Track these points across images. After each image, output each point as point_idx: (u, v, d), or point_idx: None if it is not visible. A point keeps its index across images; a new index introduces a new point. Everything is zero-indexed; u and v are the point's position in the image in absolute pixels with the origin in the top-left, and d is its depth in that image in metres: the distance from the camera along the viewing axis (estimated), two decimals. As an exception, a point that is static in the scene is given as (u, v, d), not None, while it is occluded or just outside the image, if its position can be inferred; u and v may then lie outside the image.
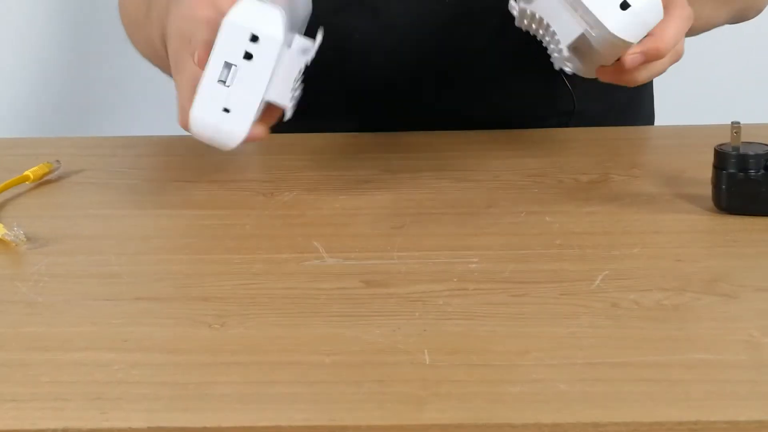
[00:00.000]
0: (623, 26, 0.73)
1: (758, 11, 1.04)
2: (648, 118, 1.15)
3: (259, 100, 0.74)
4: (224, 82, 0.73)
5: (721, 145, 0.79)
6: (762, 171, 0.77)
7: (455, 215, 0.80)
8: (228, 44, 0.73)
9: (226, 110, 0.74)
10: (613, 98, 1.06)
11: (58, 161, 0.92)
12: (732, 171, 0.77)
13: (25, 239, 0.77)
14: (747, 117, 0.86)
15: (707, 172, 0.80)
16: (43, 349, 0.62)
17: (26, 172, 0.89)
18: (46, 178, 0.90)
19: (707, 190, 0.80)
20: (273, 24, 0.73)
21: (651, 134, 1.05)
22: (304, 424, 0.54)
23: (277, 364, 0.60)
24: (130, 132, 1.53)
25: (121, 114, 1.64)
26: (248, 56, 0.73)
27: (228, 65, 0.73)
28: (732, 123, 0.78)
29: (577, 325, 0.63)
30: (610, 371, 0.58)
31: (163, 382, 0.59)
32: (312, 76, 0.97)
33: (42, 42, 1.62)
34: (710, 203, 0.80)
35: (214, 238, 0.77)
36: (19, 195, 0.87)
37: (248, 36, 0.73)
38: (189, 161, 0.95)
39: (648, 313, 0.65)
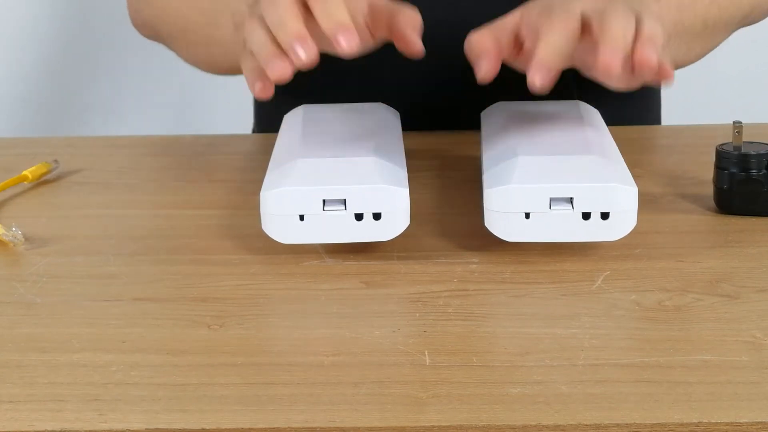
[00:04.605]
0: None
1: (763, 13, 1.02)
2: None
3: None
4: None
5: (722, 144, 0.78)
6: (764, 171, 0.76)
7: (455, 215, 0.80)
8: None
9: None
10: (618, 105, 1.05)
11: (56, 161, 0.91)
12: (733, 171, 0.77)
13: (23, 239, 0.76)
14: (748, 116, 0.86)
15: (709, 172, 0.80)
16: (41, 350, 0.62)
17: (24, 172, 0.89)
18: (44, 178, 0.90)
19: (709, 190, 0.80)
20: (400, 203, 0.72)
21: (652, 134, 1.05)
22: (304, 425, 0.54)
23: (276, 365, 0.60)
24: (128, 132, 1.53)
25: (120, 114, 1.64)
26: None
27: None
28: (734, 122, 0.77)
29: (578, 326, 0.63)
30: (611, 372, 0.58)
31: (162, 383, 0.58)
32: (324, 85, 0.97)
33: (41, 41, 1.62)
34: (712, 203, 0.80)
35: (213, 238, 0.77)
36: (17, 195, 0.87)
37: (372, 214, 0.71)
38: (188, 161, 0.95)
39: (649, 314, 0.65)
